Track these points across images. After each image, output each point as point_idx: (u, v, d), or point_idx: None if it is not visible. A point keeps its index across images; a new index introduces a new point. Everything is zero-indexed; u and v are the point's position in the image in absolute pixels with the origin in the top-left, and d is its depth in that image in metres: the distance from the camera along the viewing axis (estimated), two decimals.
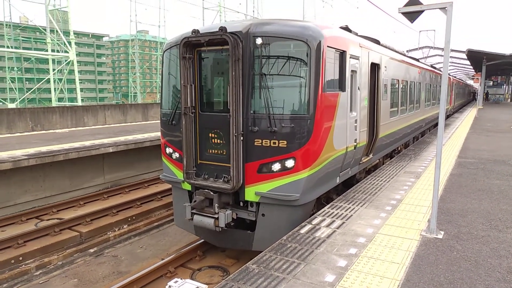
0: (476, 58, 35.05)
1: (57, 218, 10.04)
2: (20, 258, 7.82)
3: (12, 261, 7.71)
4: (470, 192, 7.55)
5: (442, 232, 5.45)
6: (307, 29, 6.12)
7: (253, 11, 51.66)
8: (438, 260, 4.61)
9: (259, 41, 6.02)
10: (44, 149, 11.42)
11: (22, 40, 77.66)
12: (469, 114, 29.44)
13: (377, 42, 9.97)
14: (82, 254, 8.37)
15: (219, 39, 6.04)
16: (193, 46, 6.51)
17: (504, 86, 63.21)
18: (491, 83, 60.89)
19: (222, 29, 6.00)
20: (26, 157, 10.24)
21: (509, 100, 59.74)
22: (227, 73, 6.17)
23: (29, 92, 47.31)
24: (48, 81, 39.46)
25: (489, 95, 61.86)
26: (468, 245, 5.04)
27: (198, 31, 6.33)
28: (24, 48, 68.23)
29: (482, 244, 5.08)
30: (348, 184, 8.36)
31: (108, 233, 9.38)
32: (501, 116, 27.67)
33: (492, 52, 31.27)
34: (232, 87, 6.01)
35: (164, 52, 7.28)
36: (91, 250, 8.58)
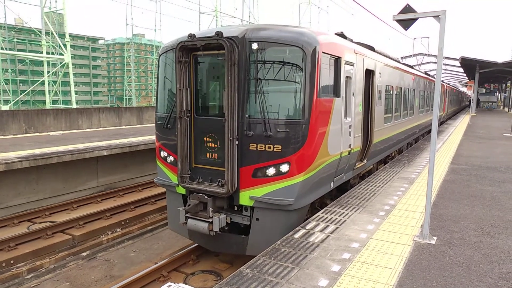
0: (469, 65, 35.45)
1: (50, 221, 9.95)
2: (12, 261, 7.74)
3: (4, 264, 7.63)
4: (462, 198, 7.61)
5: (435, 238, 5.49)
6: (303, 35, 6.17)
7: (249, 16, 52.00)
8: (430, 265, 4.64)
9: (255, 46, 6.05)
10: (37, 151, 11.34)
11: (17, 41, 77.21)
12: (462, 121, 29.70)
13: (371, 48, 10.06)
14: (74, 258, 8.30)
15: (215, 43, 6.07)
16: (189, 50, 6.54)
17: (497, 93, 63.88)
18: (484, 90, 61.57)
19: (218, 33, 6.04)
20: (19, 159, 10.17)
21: (501, 107, 60.38)
22: (223, 77, 6.20)
23: (23, 94, 46.93)
24: (42, 83, 39.23)
25: (480, 103, 62.42)
26: (461, 251, 5.08)
27: (194, 35, 6.36)
28: (18, 50, 67.88)
29: (474, 250, 5.13)
30: (342, 189, 8.39)
31: (101, 236, 9.31)
32: (494, 123, 27.95)
33: (485, 60, 31.71)
34: (228, 92, 6.03)
35: (160, 56, 7.30)
36: (84, 254, 8.51)
